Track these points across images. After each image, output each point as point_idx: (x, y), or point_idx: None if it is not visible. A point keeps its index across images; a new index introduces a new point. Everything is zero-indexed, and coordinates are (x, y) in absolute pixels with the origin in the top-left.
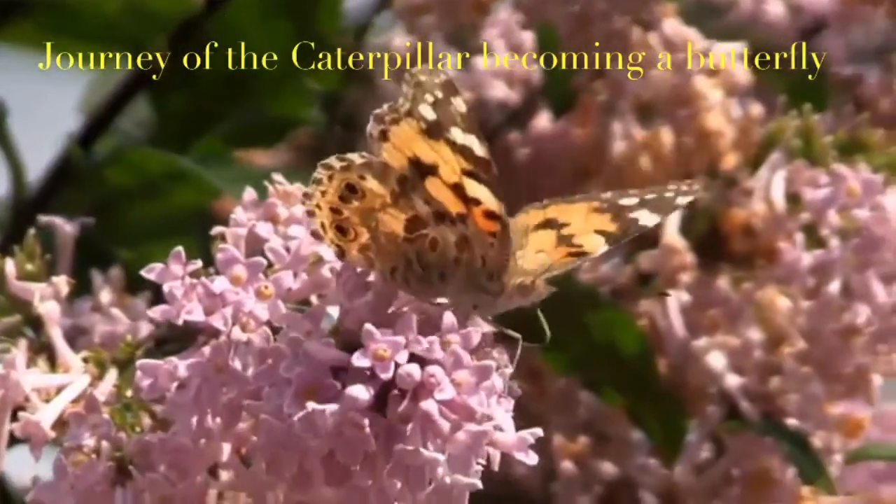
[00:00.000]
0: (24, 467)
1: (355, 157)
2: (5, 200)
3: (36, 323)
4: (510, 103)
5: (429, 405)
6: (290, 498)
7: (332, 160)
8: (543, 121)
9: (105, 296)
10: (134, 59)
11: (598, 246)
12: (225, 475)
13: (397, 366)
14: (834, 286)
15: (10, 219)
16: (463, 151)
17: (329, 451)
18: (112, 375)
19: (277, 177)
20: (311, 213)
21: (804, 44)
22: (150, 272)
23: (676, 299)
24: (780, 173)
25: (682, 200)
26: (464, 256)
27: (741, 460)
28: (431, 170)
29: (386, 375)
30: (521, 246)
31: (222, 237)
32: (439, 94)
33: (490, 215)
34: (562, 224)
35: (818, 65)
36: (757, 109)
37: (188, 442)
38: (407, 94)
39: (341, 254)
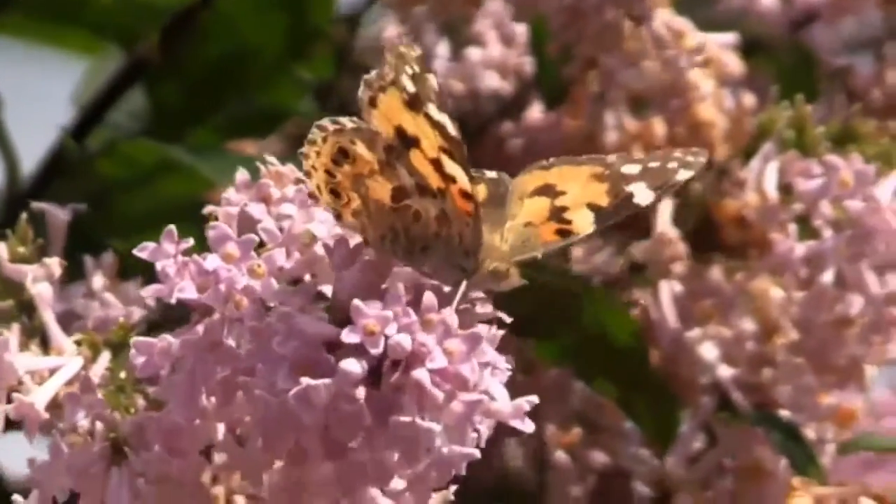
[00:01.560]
0: (19, 457)
1: (347, 121)
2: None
3: (29, 307)
4: (503, 94)
5: (421, 374)
6: (286, 476)
7: (326, 121)
8: (536, 111)
9: (97, 281)
10: (127, 50)
11: (587, 225)
12: (219, 457)
13: (387, 339)
14: (827, 276)
15: (2, 210)
16: (439, 128)
17: (325, 426)
18: (105, 358)
19: (270, 158)
20: (307, 174)
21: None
22: (143, 251)
23: (669, 290)
24: (772, 164)
25: (683, 175)
26: (443, 231)
27: (733, 451)
28: (414, 142)
29: (376, 350)
30: (513, 215)
31: (214, 217)
32: (416, 68)
33: (465, 195)
34: (559, 192)
35: (809, 55)
36: (749, 100)
37: (183, 420)
38: (390, 63)
39: (338, 216)
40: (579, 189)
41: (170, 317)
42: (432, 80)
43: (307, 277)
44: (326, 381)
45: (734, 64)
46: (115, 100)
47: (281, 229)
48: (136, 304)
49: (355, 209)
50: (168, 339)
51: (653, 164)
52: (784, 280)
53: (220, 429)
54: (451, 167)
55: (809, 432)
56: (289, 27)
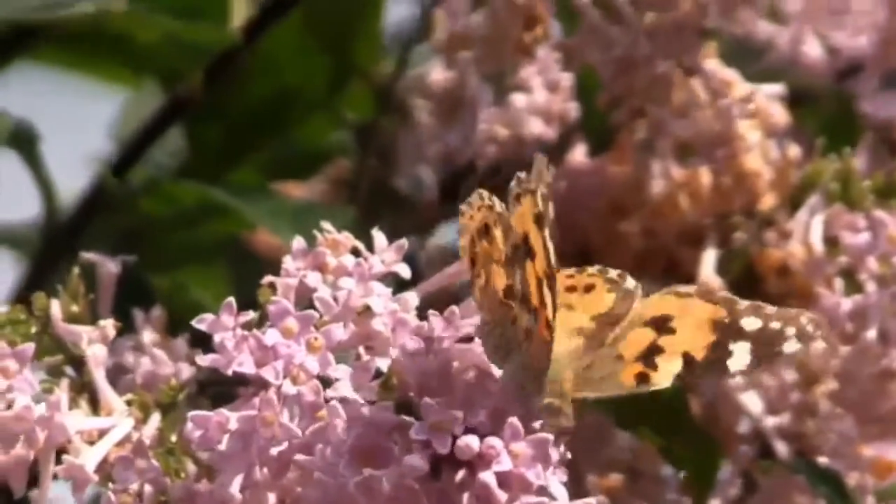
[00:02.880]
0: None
1: (498, 204)
2: (36, 225)
3: (77, 363)
4: (546, 140)
5: (487, 477)
6: None
7: (484, 193)
8: (579, 155)
9: (147, 336)
10: (168, 87)
11: (666, 379)
12: None
13: (454, 438)
14: (872, 332)
15: (41, 244)
16: (547, 254)
17: None
18: (155, 419)
19: (326, 225)
20: (461, 231)
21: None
22: (202, 323)
23: None
24: (818, 216)
25: (791, 348)
26: (524, 346)
27: (773, 499)
28: (532, 255)
29: (443, 450)
30: (615, 338)
31: (272, 286)
32: (545, 190)
33: (548, 326)
34: (669, 329)
35: (852, 107)
36: (794, 151)
37: (236, 493)
38: (536, 172)
39: (471, 284)
40: (689, 333)
41: (220, 377)
42: (550, 209)
43: (360, 349)
44: (390, 473)
45: (780, 115)
46: (154, 138)
47: (336, 299)
48: (184, 360)
49: (480, 286)
50: (225, 414)
51: (773, 325)
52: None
53: (272, 499)
54: (547, 295)
55: (850, 482)
56: (332, 69)
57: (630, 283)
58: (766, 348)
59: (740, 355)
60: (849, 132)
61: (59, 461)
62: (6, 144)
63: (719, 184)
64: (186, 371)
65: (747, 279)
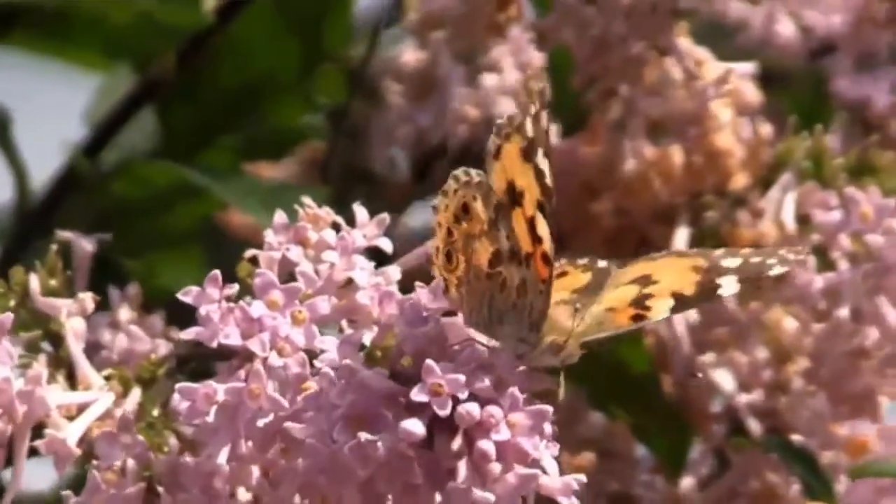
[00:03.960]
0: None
1: (475, 174)
2: (9, 208)
3: (55, 338)
4: None
5: (486, 445)
6: None
7: (460, 172)
8: (552, 138)
9: (124, 313)
10: (141, 70)
11: (663, 312)
12: (243, 496)
13: (455, 403)
14: (844, 309)
15: (14, 227)
16: (540, 177)
17: (369, 480)
18: (136, 394)
19: (307, 200)
20: (434, 230)
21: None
22: (187, 295)
23: (683, 318)
24: (790, 195)
25: (777, 270)
26: (519, 302)
27: (746, 476)
28: (519, 198)
29: (444, 412)
30: (600, 301)
31: (253, 260)
32: (536, 106)
33: (546, 260)
34: (652, 281)
35: (825, 87)
36: (767, 129)
37: (222, 465)
38: (521, 104)
39: (445, 288)
40: (673, 278)
41: (199, 352)
42: (545, 118)
43: (343, 323)
44: (385, 438)
45: (752, 93)
46: (127, 119)
47: (317, 272)
48: (160, 336)
49: (459, 277)
50: (213, 386)
51: (754, 259)
52: (798, 310)
53: (255, 472)
54: (542, 228)
55: (823, 459)
56: (303, 52)
57: (602, 262)
58: (752, 276)
59: (729, 284)
60: (822, 112)
61: (34, 438)
62: None
63: (691, 163)
64: (164, 347)
65: None
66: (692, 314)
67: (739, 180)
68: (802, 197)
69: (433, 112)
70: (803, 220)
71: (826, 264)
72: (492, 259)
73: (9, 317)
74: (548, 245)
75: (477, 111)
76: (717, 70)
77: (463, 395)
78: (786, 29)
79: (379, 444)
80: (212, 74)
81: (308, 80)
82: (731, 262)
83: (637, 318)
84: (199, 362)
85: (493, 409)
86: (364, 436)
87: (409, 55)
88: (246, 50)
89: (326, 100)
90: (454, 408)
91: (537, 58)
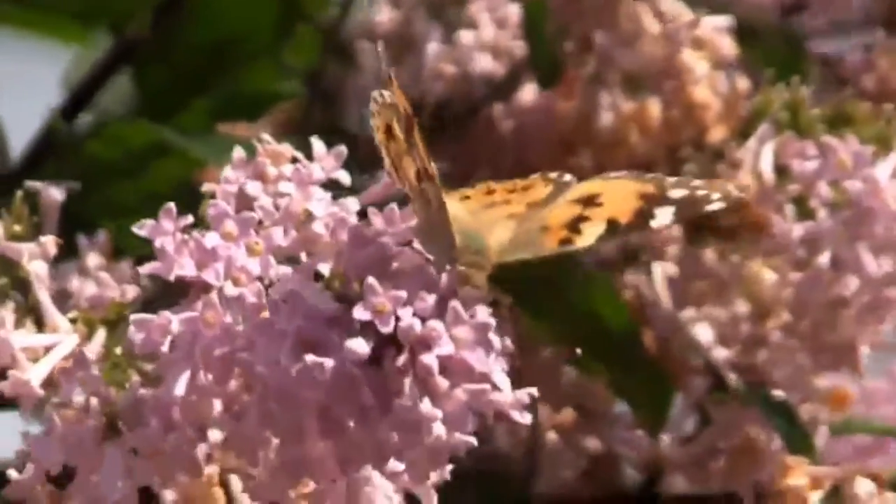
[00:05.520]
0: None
1: (388, 97)
2: None
3: (23, 285)
4: (495, 76)
5: (429, 359)
6: (283, 454)
7: (377, 94)
8: (528, 93)
9: (92, 259)
10: (116, 34)
11: (588, 239)
12: (213, 435)
13: (398, 320)
14: (824, 258)
15: None
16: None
17: (324, 404)
18: (101, 335)
19: (266, 136)
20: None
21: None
22: (142, 228)
23: (663, 271)
24: (768, 145)
25: (714, 206)
26: (437, 218)
27: (727, 431)
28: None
29: (387, 329)
30: (542, 217)
31: (212, 195)
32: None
33: (428, 174)
34: (596, 203)
35: (798, 43)
36: (743, 83)
37: (180, 396)
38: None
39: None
40: (616, 203)
41: (165, 295)
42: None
43: (303, 256)
44: (330, 359)
45: (728, 47)
46: (104, 81)
47: (277, 207)
48: (130, 283)
49: (406, 193)
50: (167, 316)
51: (700, 193)
52: (778, 262)
53: (217, 405)
54: (419, 143)
55: (803, 413)
56: (277, 14)
57: (567, 177)
58: (689, 209)
59: (663, 216)
60: (796, 67)
61: None
62: None
63: (668, 116)
64: (132, 292)
65: None
66: (670, 267)
67: (717, 133)
68: (780, 147)
69: (409, 70)
70: (781, 170)
71: (805, 214)
72: (417, 176)
73: None
74: (423, 154)
75: (453, 68)
76: (692, 21)
77: (406, 312)
78: None
79: (325, 365)
80: (186, 36)
81: (284, 41)
82: (678, 193)
83: (565, 241)
84: (166, 302)
85: (435, 323)
86: (310, 358)
87: (384, 16)
88: (219, 12)
89: (301, 61)
90: (397, 325)
91: (514, 13)
